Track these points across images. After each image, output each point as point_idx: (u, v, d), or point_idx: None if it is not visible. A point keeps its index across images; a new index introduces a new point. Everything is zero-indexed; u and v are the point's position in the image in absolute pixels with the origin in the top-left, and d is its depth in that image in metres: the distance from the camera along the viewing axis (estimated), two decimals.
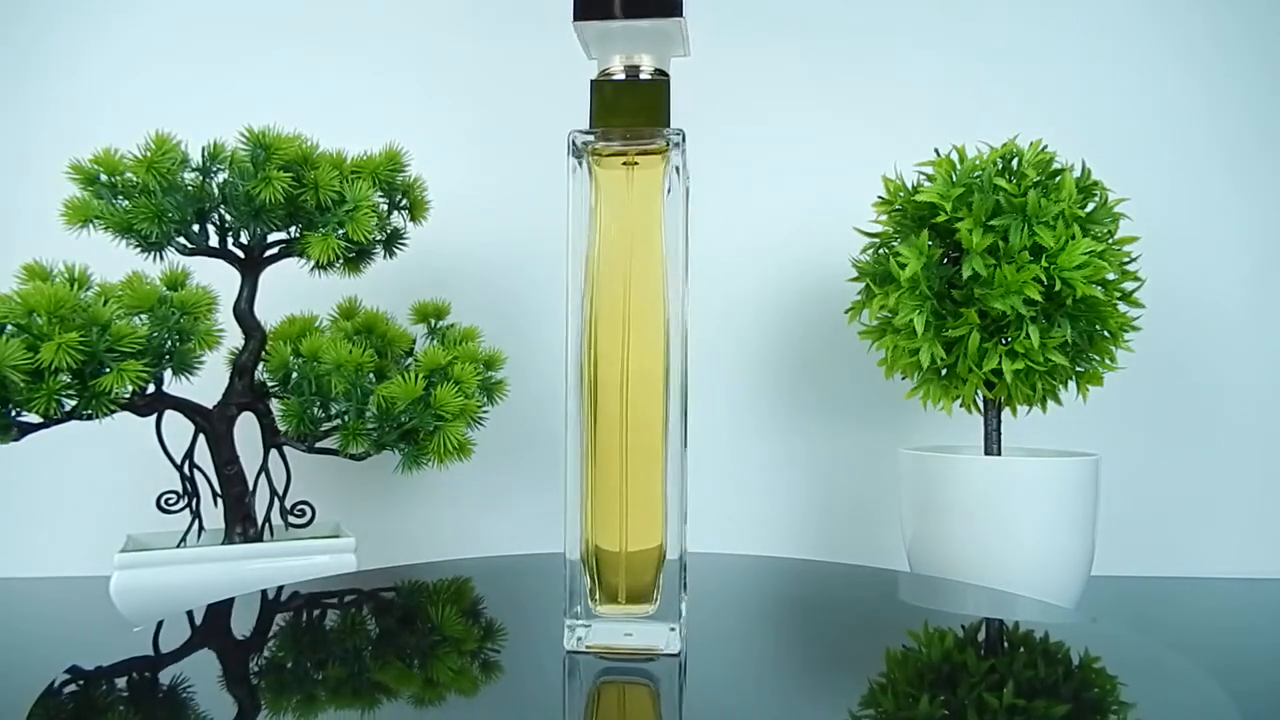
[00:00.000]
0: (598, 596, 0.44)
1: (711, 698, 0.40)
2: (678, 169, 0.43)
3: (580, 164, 0.43)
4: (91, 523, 0.89)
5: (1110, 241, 0.70)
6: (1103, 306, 0.69)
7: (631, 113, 0.43)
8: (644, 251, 0.43)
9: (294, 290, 0.78)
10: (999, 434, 0.75)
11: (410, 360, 0.77)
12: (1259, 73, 0.96)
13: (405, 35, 0.96)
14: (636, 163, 0.43)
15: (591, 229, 0.44)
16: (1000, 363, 0.69)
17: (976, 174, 0.69)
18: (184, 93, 0.92)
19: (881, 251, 0.77)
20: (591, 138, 0.43)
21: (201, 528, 0.71)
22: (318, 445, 0.72)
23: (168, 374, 0.67)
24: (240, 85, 0.93)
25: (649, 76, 0.44)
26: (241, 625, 0.52)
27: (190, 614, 0.52)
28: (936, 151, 0.75)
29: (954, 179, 0.70)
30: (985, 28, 0.97)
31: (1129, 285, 0.71)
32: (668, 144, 0.43)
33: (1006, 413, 0.76)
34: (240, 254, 0.71)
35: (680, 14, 0.43)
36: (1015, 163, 0.71)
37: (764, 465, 0.97)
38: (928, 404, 0.75)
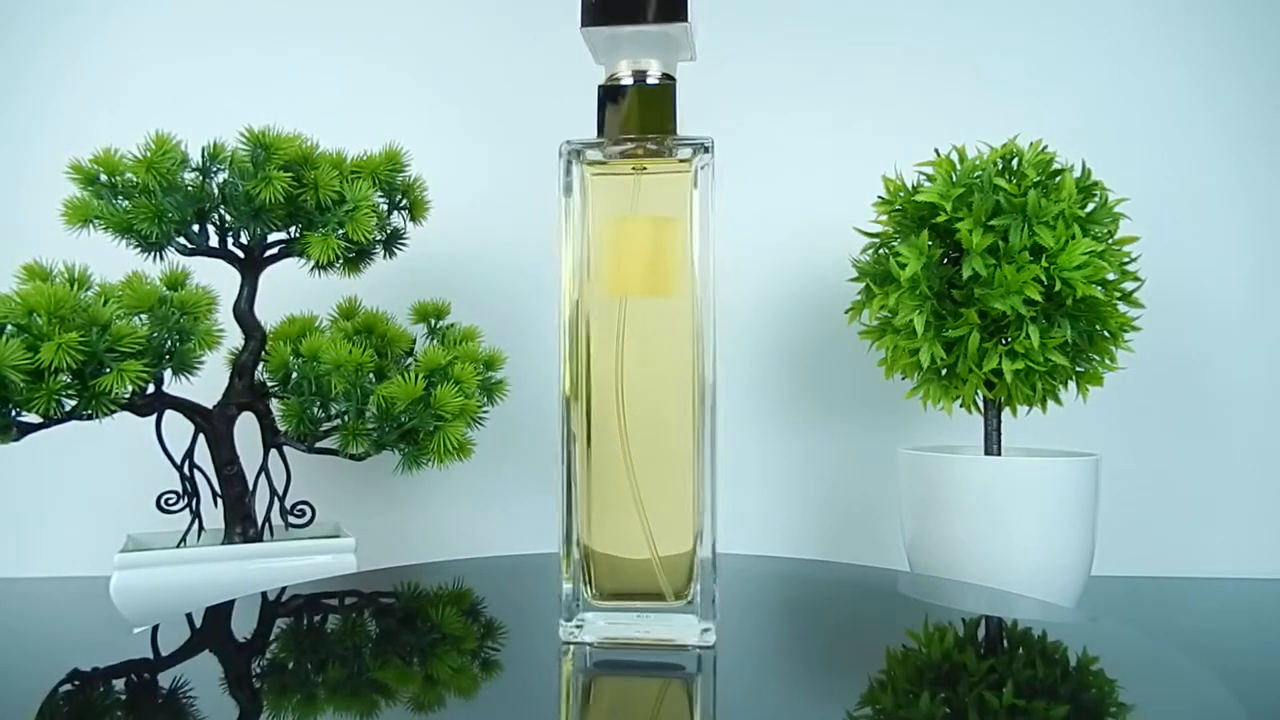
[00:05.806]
0: (593, 593, 0.44)
1: (709, 697, 0.40)
2: (702, 169, 0.43)
3: (576, 171, 0.43)
4: (91, 523, 0.89)
5: (1110, 241, 0.70)
6: (1103, 306, 0.69)
7: (646, 119, 0.43)
8: (654, 258, 0.44)
9: (294, 290, 0.78)
10: (999, 434, 0.75)
11: (410, 360, 0.77)
12: (1259, 72, 0.96)
13: (406, 35, 0.96)
14: (645, 168, 0.43)
15: (586, 238, 0.44)
16: (1000, 363, 0.69)
17: (976, 174, 0.69)
18: (184, 93, 0.92)
19: (881, 251, 0.77)
20: (603, 144, 0.43)
21: (201, 528, 0.71)
22: (318, 445, 0.72)
23: (168, 374, 0.67)
24: (240, 85, 0.93)
25: (656, 81, 0.44)
26: (241, 626, 0.52)
27: (190, 615, 0.52)
28: (936, 151, 0.75)
29: (954, 179, 0.70)
30: (986, 28, 0.97)
31: (1129, 285, 0.71)
32: (696, 151, 0.43)
33: (1006, 413, 0.76)
34: (240, 254, 0.71)
35: (686, 19, 0.43)
36: (1015, 163, 0.71)
37: (763, 465, 0.97)
38: (928, 404, 0.75)
